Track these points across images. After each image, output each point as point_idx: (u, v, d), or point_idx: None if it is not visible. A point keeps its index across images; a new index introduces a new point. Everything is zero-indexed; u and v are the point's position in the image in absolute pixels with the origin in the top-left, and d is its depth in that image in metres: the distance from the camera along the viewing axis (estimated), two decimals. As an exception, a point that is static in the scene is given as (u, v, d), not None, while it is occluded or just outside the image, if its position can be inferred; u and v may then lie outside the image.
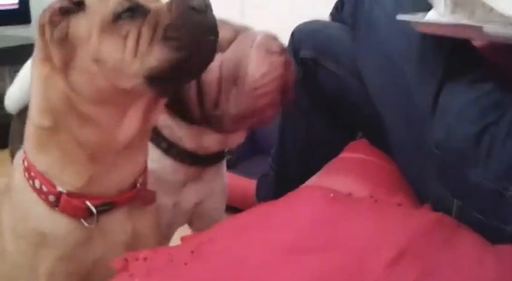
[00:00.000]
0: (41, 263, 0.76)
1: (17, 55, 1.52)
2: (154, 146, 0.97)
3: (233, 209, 1.74)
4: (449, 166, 0.80)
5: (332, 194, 0.78)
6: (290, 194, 0.82)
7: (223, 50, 0.92)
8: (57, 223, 0.76)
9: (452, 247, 0.68)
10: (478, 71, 0.86)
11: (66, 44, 0.71)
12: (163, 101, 0.79)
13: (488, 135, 0.76)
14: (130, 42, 0.69)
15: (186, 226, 1.15)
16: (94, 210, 0.76)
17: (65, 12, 0.71)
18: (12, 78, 1.50)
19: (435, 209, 0.80)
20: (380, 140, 1.02)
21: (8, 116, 1.33)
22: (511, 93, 0.80)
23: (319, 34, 1.13)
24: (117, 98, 0.72)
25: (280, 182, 1.25)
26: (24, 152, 0.78)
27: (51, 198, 0.75)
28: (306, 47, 1.13)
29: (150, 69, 0.69)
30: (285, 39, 1.17)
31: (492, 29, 0.70)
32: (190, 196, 1.05)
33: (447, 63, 0.85)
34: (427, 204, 0.82)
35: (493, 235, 0.75)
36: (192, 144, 0.98)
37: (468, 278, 0.63)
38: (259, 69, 0.90)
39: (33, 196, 0.76)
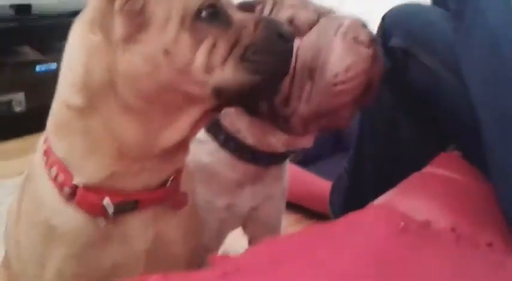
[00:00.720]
0: (49, 259, 0.67)
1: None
2: (211, 137, 0.85)
3: (308, 211, 1.61)
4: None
5: (403, 223, 0.61)
6: (351, 215, 0.66)
7: (301, 35, 0.77)
8: (70, 218, 0.66)
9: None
10: None
11: (137, 19, 0.60)
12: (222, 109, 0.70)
13: None
14: (204, 49, 0.61)
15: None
16: (110, 208, 0.65)
17: None
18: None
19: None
20: (477, 157, 0.82)
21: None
22: None
23: (413, 20, 0.94)
24: (173, 99, 0.62)
25: (353, 190, 1.08)
26: (46, 135, 0.68)
27: (67, 190, 0.65)
28: (397, 35, 0.94)
29: (219, 84, 0.62)
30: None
31: None
32: (246, 198, 0.91)
33: None
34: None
35: None
36: (253, 140, 0.84)
37: None
38: (342, 61, 0.74)
39: (49, 184, 0.66)
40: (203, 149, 0.85)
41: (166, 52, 0.59)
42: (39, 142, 0.73)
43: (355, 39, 0.74)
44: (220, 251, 1.02)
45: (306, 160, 1.64)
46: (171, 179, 0.70)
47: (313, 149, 1.66)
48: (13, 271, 0.73)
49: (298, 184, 1.62)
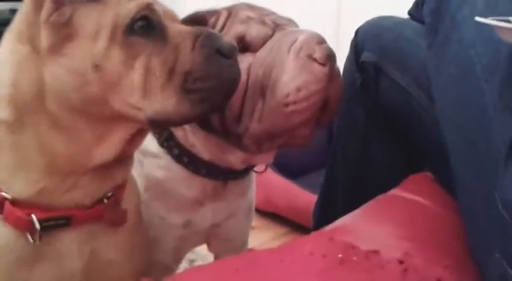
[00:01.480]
0: None
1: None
2: (165, 150, 0.81)
3: (295, 225, 1.57)
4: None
5: (341, 255, 0.57)
6: (291, 243, 0.62)
7: (254, 50, 0.73)
8: None
9: None
10: None
11: (64, 30, 0.57)
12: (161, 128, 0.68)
13: None
14: (139, 69, 0.57)
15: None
16: (37, 224, 0.62)
17: None
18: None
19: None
20: (447, 180, 0.77)
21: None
22: None
23: (386, 34, 0.89)
24: (104, 115, 0.59)
25: (324, 208, 1.04)
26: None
27: None
28: (369, 49, 0.90)
29: (158, 113, 0.58)
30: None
31: None
32: (206, 215, 0.87)
33: None
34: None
35: None
36: (208, 155, 0.80)
37: None
38: (294, 80, 0.69)
39: None
40: (157, 163, 0.81)
41: (96, 67, 0.56)
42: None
43: (309, 57, 0.69)
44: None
45: (293, 172, 1.61)
46: (108, 195, 0.67)
47: (301, 162, 1.63)
48: None
49: (285, 197, 1.59)
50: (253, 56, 0.73)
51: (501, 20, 0.62)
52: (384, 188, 0.86)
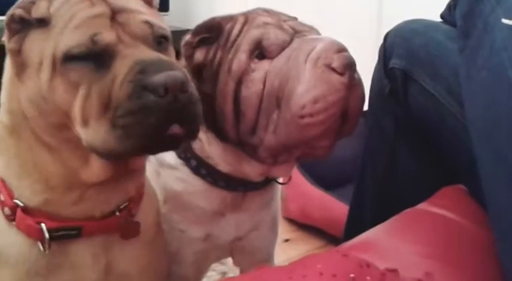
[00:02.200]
0: None
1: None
2: (182, 163, 0.80)
3: (332, 237, 1.53)
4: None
5: (353, 275, 0.53)
6: (305, 259, 0.59)
7: (271, 56, 0.71)
8: (13, 241, 0.63)
9: None
10: None
11: (19, 58, 0.58)
12: None
13: None
14: (80, 97, 0.55)
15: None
16: (46, 233, 0.61)
17: (24, 23, 0.57)
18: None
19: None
20: (480, 193, 0.72)
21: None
22: None
23: (416, 38, 0.84)
24: (75, 138, 0.58)
25: (352, 220, 0.99)
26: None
27: (6, 211, 0.63)
28: (397, 55, 0.85)
29: (89, 145, 0.56)
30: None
31: None
32: (228, 228, 0.84)
33: None
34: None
35: None
36: (225, 167, 0.78)
37: None
38: (310, 91, 0.66)
39: None
40: (174, 175, 0.80)
41: (44, 99, 0.56)
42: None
43: (327, 66, 0.66)
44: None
45: (330, 184, 1.56)
46: (122, 206, 0.66)
47: (338, 173, 1.58)
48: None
49: (321, 209, 1.55)
50: (270, 63, 0.70)
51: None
52: (415, 201, 0.81)
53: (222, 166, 0.78)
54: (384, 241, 0.68)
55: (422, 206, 0.76)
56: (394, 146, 0.89)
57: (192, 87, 0.56)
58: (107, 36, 0.55)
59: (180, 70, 0.55)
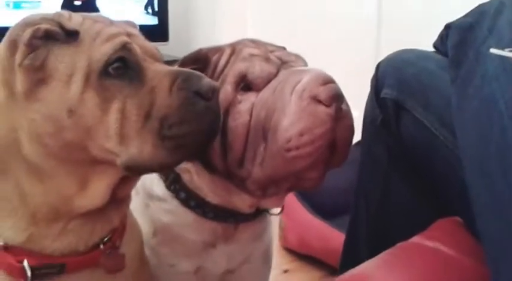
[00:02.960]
0: None
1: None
2: (171, 195, 0.78)
3: (332, 269, 1.50)
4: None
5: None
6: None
7: (258, 89, 0.70)
8: None
9: None
10: None
11: (37, 74, 0.56)
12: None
13: None
14: (115, 114, 0.55)
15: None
16: (28, 272, 0.60)
17: (49, 37, 0.56)
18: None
19: None
20: (472, 223, 0.70)
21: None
22: None
23: (408, 68, 0.83)
24: (82, 161, 0.58)
25: (346, 252, 0.97)
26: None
27: None
28: (389, 84, 0.84)
29: (134, 160, 0.56)
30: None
31: None
32: (219, 260, 0.82)
33: None
34: None
35: None
36: (214, 198, 0.77)
37: None
38: (296, 124, 0.65)
39: None
40: (163, 207, 0.78)
41: (71, 112, 0.55)
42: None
43: (313, 98, 0.65)
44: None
45: (329, 213, 1.54)
46: (105, 239, 0.64)
47: (337, 202, 1.56)
48: None
49: (320, 238, 1.52)
50: (257, 95, 0.70)
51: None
52: (409, 231, 0.79)
53: (211, 197, 0.77)
54: (377, 276, 0.66)
55: (416, 239, 0.74)
56: (387, 176, 0.87)
57: None
58: (135, 46, 0.58)
59: None
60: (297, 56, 0.74)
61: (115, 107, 0.55)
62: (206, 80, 0.57)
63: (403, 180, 0.86)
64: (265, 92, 0.69)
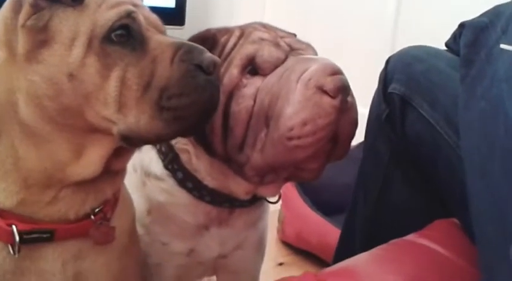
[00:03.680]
0: None
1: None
2: (168, 174, 0.78)
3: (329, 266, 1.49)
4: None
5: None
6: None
7: (264, 73, 0.69)
8: None
9: None
10: None
11: (40, 36, 0.56)
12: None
13: None
14: (115, 81, 0.55)
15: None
16: (17, 236, 0.59)
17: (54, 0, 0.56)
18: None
19: None
20: (470, 225, 0.69)
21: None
22: None
23: (418, 64, 0.82)
24: (78, 127, 0.57)
25: (341, 248, 0.96)
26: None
27: None
28: (397, 80, 0.83)
29: (130, 130, 0.56)
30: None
31: None
32: (212, 244, 0.82)
33: None
34: None
35: None
36: (212, 182, 0.76)
37: None
38: (299, 113, 0.64)
39: None
40: (160, 186, 0.78)
41: (71, 76, 0.54)
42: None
43: (319, 88, 0.64)
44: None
45: (329, 209, 1.53)
46: (96, 210, 0.64)
47: (339, 198, 1.55)
48: None
49: (318, 234, 1.51)
50: (262, 80, 0.69)
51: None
52: (406, 229, 0.78)
53: (209, 180, 0.76)
54: (366, 269, 0.65)
55: (411, 237, 0.74)
56: (388, 172, 0.86)
57: None
58: (140, 15, 0.57)
59: None
60: (307, 45, 0.73)
61: (115, 74, 0.54)
62: (208, 54, 0.57)
63: (403, 176, 0.85)
64: (271, 78, 0.68)
